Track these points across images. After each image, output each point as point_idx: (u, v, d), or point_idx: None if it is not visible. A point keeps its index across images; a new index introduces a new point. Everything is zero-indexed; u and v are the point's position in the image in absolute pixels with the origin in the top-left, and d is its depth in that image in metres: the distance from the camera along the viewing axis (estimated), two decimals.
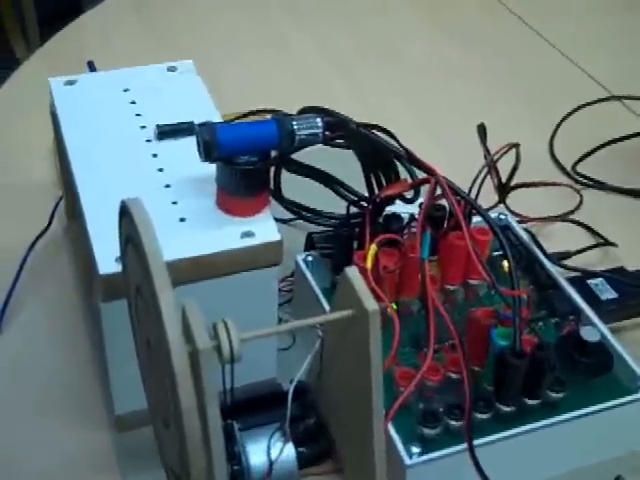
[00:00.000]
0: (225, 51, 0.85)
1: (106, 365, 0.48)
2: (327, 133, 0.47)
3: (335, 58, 0.86)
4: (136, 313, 0.40)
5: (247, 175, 0.45)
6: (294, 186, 0.57)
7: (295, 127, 0.46)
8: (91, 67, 0.62)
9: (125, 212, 0.36)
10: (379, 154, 0.50)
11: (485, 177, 0.57)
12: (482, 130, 0.60)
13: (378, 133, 0.50)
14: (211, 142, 0.44)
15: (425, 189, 0.50)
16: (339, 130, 0.48)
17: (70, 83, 0.56)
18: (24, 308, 0.57)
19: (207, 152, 0.44)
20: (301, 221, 0.60)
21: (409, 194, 0.53)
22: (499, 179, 0.60)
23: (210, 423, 0.35)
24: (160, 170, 0.50)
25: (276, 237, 0.46)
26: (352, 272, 0.39)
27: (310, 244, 0.56)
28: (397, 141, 0.50)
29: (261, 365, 0.50)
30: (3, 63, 0.82)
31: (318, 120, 0.46)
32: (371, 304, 0.38)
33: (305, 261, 0.55)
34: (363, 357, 0.39)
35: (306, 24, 0.91)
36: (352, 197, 0.55)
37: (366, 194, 0.54)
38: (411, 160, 0.49)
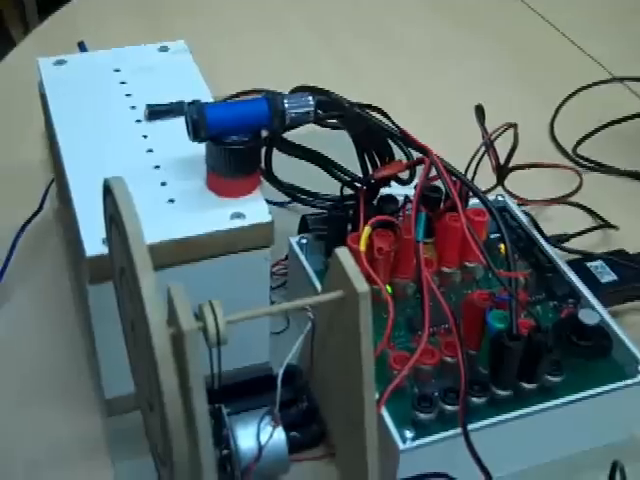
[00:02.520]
0: (220, 33, 0.84)
1: (95, 349, 0.48)
2: (319, 112, 0.46)
3: (331, 40, 0.85)
4: (122, 295, 0.39)
5: (237, 155, 0.44)
6: (286, 167, 0.56)
7: (286, 105, 0.45)
8: (82, 48, 0.61)
9: (108, 191, 0.35)
10: (373, 134, 0.49)
11: (482, 158, 0.56)
12: (480, 111, 0.59)
13: (372, 113, 0.49)
14: (200, 121, 0.43)
15: (421, 170, 0.49)
16: (332, 109, 0.47)
17: (59, 63, 0.55)
18: (14, 292, 0.56)
19: (196, 131, 0.44)
20: (296, 204, 0.59)
21: (404, 175, 0.52)
22: (497, 161, 0.59)
23: (196, 407, 0.34)
24: (150, 151, 0.49)
25: (267, 218, 0.45)
26: (342, 253, 0.38)
27: (304, 226, 0.55)
28: (391, 121, 0.49)
29: (253, 349, 0.50)
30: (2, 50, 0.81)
31: (310, 98, 0.45)
32: (361, 285, 0.37)
33: (299, 244, 0.54)
34: (354, 339, 0.38)
35: (302, 6, 0.90)
36: (345, 178, 0.54)
37: (360, 175, 0.53)
38: (406, 140, 0.48)
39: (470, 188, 0.48)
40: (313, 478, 0.44)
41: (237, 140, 0.44)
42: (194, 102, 0.44)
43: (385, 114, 0.49)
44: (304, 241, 0.54)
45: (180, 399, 0.32)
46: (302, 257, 0.53)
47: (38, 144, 0.67)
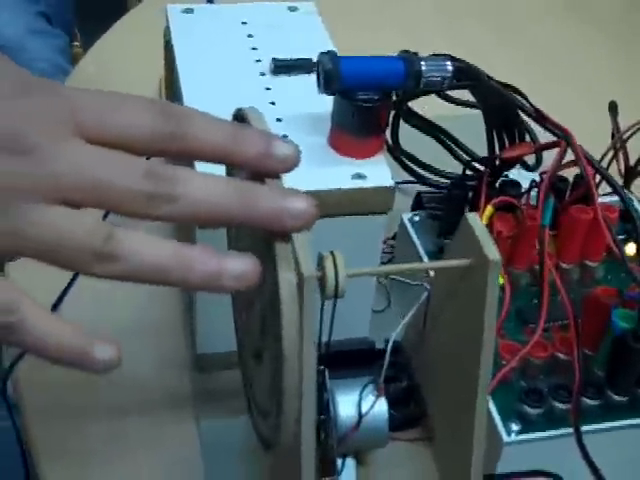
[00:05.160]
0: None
1: (193, 303, 0.46)
2: (454, 81, 0.44)
3: (457, 28, 0.82)
4: (234, 241, 0.38)
5: (366, 112, 0.42)
6: (405, 140, 0.53)
7: (423, 67, 0.42)
8: (210, 1, 0.60)
9: (239, 120, 0.33)
10: (507, 111, 0.46)
11: (613, 158, 0.52)
12: (614, 108, 0.56)
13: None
14: (333, 72, 0.41)
15: (549, 158, 0.46)
16: (468, 79, 0.45)
17: (188, 11, 0.54)
18: None
19: (327, 82, 0.42)
20: (408, 185, 0.57)
21: (530, 160, 0.49)
22: (626, 162, 0.55)
23: (305, 361, 0.32)
24: (272, 104, 0.47)
25: (389, 182, 0.43)
26: (473, 218, 0.36)
27: (418, 204, 0.52)
28: (528, 101, 0.47)
29: (354, 322, 0.47)
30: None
31: (448, 63, 0.43)
32: (493, 252, 0.34)
33: (411, 221, 0.51)
34: (476, 312, 0.35)
35: None
36: (466, 158, 0.51)
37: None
38: (541, 120, 0.45)
39: (607, 180, 0.45)
40: (407, 460, 0.42)
41: (367, 97, 0.42)
42: (328, 52, 0.42)
43: (523, 95, 0.47)
44: (417, 218, 0.51)
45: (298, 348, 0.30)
46: (413, 235, 0.51)
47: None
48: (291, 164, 0.31)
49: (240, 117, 0.33)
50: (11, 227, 0.28)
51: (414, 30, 0.80)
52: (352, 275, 0.34)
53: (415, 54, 0.43)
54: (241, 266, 0.29)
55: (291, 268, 0.30)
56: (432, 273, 0.48)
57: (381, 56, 0.43)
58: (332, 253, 0.34)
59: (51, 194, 0.28)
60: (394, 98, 0.45)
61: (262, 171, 0.31)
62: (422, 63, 0.42)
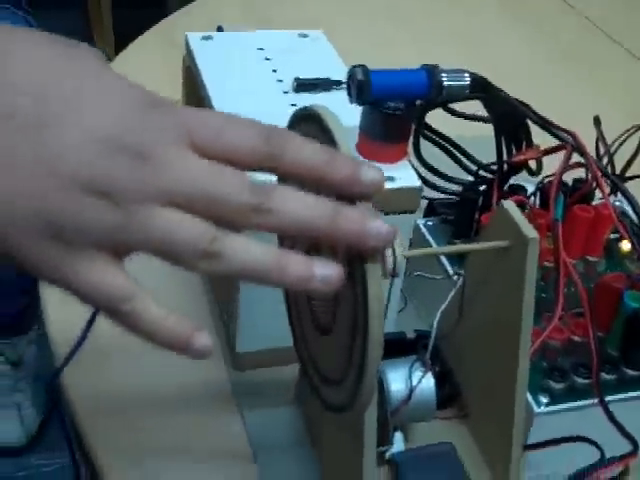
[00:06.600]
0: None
1: (234, 301, 0.49)
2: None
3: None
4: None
5: (394, 120, 0.46)
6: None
7: (444, 78, 0.47)
8: (220, 30, 0.64)
9: (308, 118, 0.37)
10: (515, 119, 0.51)
11: (608, 164, 0.57)
12: (598, 122, 0.60)
13: None
14: (365, 82, 0.45)
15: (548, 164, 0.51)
16: (481, 90, 0.49)
17: (206, 38, 0.58)
18: None
19: (360, 92, 0.46)
20: None
21: (534, 165, 0.53)
22: (613, 169, 0.60)
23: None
24: None
25: (416, 183, 0.47)
26: (510, 204, 0.40)
27: (430, 211, 0.56)
28: (533, 111, 0.51)
29: None
30: None
31: (466, 75, 0.47)
32: (531, 232, 0.38)
33: (425, 225, 0.55)
34: (513, 291, 0.39)
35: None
36: (473, 168, 0.56)
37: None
38: (548, 126, 0.50)
39: (611, 179, 0.49)
40: (446, 435, 0.45)
41: (395, 106, 0.46)
42: (360, 66, 0.46)
43: (526, 105, 0.51)
44: (430, 223, 0.55)
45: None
46: (429, 237, 0.55)
47: None
48: (377, 188, 0.34)
49: (308, 115, 0.37)
50: (128, 223, 0.31)
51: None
52: (408, 256, 0.37)
53: (435, 66, 0.47)
54: (328, 271, 0.33)
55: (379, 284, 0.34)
56: (450, 271, 0.52)
57: (406, 69, 0.47)
58: None
59: (165, 198, 0.31)
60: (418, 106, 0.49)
61: (349, 194, 0.34)
62: (443, 75, 0.47)
